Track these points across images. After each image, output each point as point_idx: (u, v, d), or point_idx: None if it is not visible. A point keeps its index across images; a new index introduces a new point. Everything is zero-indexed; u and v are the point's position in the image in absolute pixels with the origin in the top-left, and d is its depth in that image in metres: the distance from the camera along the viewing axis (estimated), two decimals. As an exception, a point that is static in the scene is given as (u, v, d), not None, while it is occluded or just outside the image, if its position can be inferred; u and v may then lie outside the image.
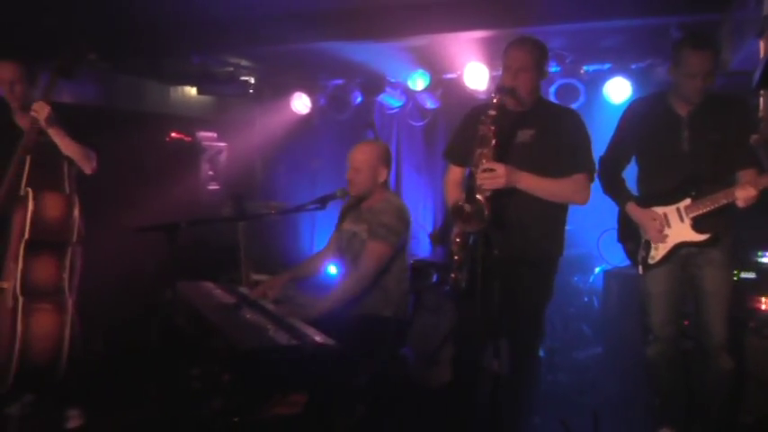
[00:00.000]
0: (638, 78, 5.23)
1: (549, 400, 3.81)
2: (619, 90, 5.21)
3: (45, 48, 3.31)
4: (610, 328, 4.42)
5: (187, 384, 3.30)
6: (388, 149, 3.56)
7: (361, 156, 3.45)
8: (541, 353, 4.16)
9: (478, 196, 2.81)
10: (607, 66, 5.46)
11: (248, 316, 3.08)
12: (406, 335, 3.56)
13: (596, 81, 5.40)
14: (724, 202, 3.09)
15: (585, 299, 4.88)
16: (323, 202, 3.33)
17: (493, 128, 2.90)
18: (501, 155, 2.96)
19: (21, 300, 3.32)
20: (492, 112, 2.90)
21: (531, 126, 3.07)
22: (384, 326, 3.35)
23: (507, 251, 2.98)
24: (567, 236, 4.81)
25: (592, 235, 4.72)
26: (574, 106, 5.26)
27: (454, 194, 3.24)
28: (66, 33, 3.41)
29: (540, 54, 3.08)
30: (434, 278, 4.41)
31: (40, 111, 3.32)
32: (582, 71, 5.45)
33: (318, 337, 2.82)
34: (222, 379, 2.83)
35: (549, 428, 3.28)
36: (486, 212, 2.76)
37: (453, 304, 3.94)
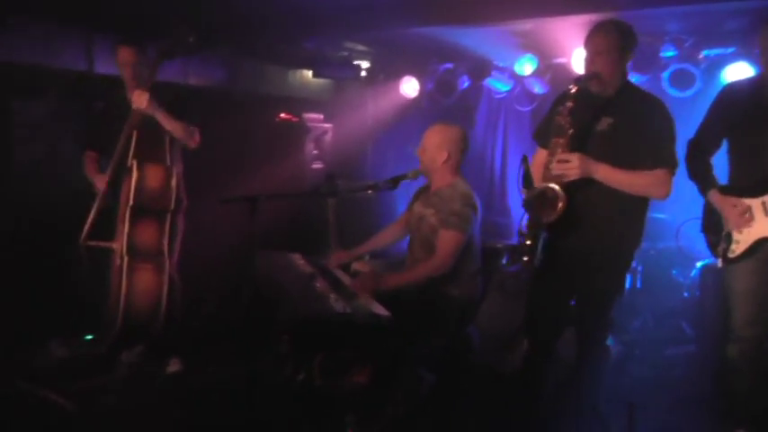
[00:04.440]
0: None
1: (624, 392, 3.72)
2: (739, 75, 4.86)
3: (150, 31, 3.65)
4: (704, 325, 4.21)
5: (270, 347, 3.58)
6: (460, 133, 3.58)
7: (429, 136, 3.55)
8: (613, 344, 4.05)
9: (554, 186, 2.83)
10: (730, 50, 5.13)
11: (318, 285, 3.26)
12: (473, 315, 3.61)
13: (716, 66, 5.08)
14: None
15: (686, 294, 4.66)
16: (395, 181, 3.46)
17: (569, 118, 2.90)
18: (578, 142, 2.95)
19: (126, 259, 3.72)
20: (569, 104, 2.90)
21: (610, 114, 3.01)
22: (450, 304, 3.42)
23: (580, 241, 2.99)
24: (665, 227, 4.67)
25: (692, 226, 4.48)
26: (689, 93, 5.05)
27: (539, 176, 3.27)
28: (170, 17, 3.72)
29: (620, 36, 3.00)
30: (504, 258, 4.40)
31: (139, 100, 3.68)
32: (701, 56, 5.15)
33: (374, 308, 2.95)
34: (282, 341, 3.04)
35: (617, 418, 3.21)
36: (561, 204, 2.79)
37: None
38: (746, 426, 3.19)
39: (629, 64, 3.11)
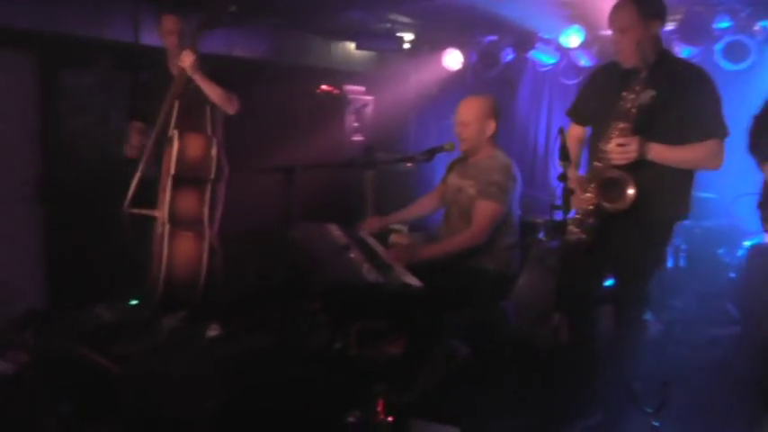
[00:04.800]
0: (823, 35, 4.66)
1: (661, 371, 3.65)
2: (796, 48, 4.68)
3: (194, 2, 3.69)
4: (749, 307, 4.10)
5: (305, 316, 3.62)
6: (496, 103, 3.55)
7: (469, 110, 3.48)
8: (652, 319, 3.98)
9: (632, 190, 2.85)
10: (790, 21, 4.92)
11: (352, 255, 3.27)
12: (506, 289, 3.59)
13: (772, 38, 4.90)
14: None
15: (732, 274, 4.53)
16: (430, 154, 3.43)
17: (637, 103, 2.88)
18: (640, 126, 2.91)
19: (167, 227, 3.81)
20: (638, 88, 2.87)
21: (651, 86, 2.94)
22: (483, 278, 3.40)
23: (618, 215, 2.94)
24: (712, 205, 4.54)
25: (740, 205, 4.36)
26: (743, 66, 4.87)
27: (575, 150, 3.22)
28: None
29: (638, 9, 2.94)
30: (541, 234, 4.34)
31: (186, 59, 3.73)
32: (757, 27, 4.94)
33: (406, 278, 2.95)
34: (314, 310, 3.07)
35: (652, 397, 3.17)
36: (620, 206, 2.84)
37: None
38: (788, 408, 3.12)
39: (664, 32, 3.06)
